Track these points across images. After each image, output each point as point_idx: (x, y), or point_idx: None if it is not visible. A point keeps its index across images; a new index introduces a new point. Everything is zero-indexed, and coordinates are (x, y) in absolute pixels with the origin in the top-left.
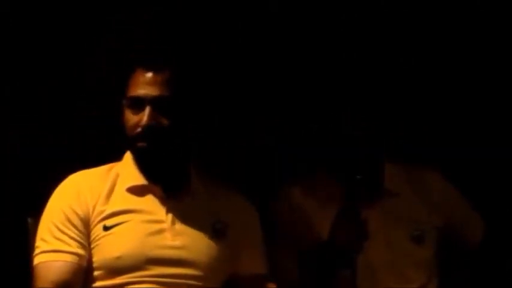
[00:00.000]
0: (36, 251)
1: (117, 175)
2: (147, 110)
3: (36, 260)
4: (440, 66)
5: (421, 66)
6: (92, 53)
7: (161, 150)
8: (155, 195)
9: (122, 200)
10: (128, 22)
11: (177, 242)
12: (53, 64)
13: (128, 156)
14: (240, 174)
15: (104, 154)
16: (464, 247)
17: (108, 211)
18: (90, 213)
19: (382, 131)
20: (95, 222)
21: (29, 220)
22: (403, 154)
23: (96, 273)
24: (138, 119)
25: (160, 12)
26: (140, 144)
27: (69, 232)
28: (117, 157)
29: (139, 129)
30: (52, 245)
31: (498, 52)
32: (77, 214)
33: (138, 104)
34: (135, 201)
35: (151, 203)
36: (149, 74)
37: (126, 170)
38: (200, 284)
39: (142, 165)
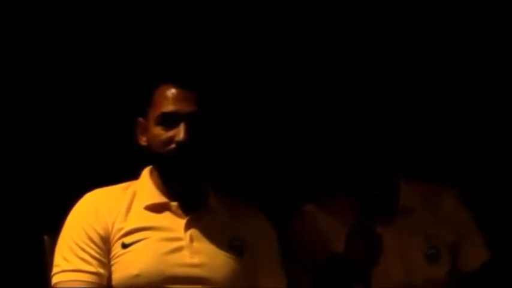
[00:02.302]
0: (56, 269)
1: (134, 193)
2: (183, 125)
3: (56, 279)
4: (442, 66)
5: (423, 67)
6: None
7: (194, 167)
8: (173, 212)
9: (140, 217)
10: (130, 24)
11: (195, 260)
12: (58, 67)
13: (145, 174)
14: (252, 188)
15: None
16: (461, 269)
17: (127, 228)
18: (110, 230)
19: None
20: (115, 239)
21: (45, 238)
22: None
23: None
24: (172, 134)
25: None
26: (174, 160)
27: (90, 250)
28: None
29: (173, 145)
30: (73, 264)
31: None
32: (97, 232)
33: (170, 119)
34: (153, 219)
35: (169, 220)
36: (180, 90)
37: (143, 188)
38: None
39: (167, 181)
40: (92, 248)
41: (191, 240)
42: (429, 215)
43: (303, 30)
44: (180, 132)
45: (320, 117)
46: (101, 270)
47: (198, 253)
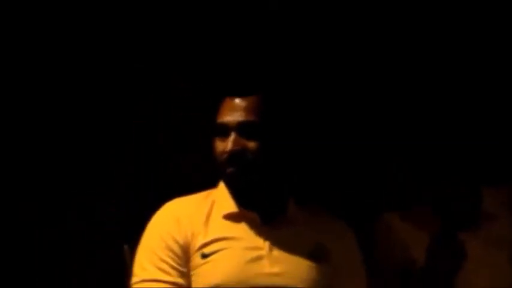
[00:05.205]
0: (135, 279)
1: (213, 202)
2: (232, 136)
3: None
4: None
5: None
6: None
7: (249, 175)
8: (251, 222)
9: (219, 227)
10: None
11: (275, 269)
12: (58, 67)
13: (222, 183)
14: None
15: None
16: None
17: (206, 239)
18: (190, 240)
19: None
20: (194, 249)
21: (125, 247)
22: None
23: None
24: (225, 145)
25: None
26: (228, 170)
27: (169, 260)
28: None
29: (225, 156)
30: (152, 274)
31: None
32: (176, 242)
33: (224, 130)
34: (232, 228)
35: (248, 230)
36: (235, 100)
37: (221, 197)
38: None
39: (234, 191)
40: (171, 258)
41: (270, 249)
42: None
43: (303, 31)
44: (228, 142)
45: (393, 132)
46: (179, 280)
47: (278, 262)
